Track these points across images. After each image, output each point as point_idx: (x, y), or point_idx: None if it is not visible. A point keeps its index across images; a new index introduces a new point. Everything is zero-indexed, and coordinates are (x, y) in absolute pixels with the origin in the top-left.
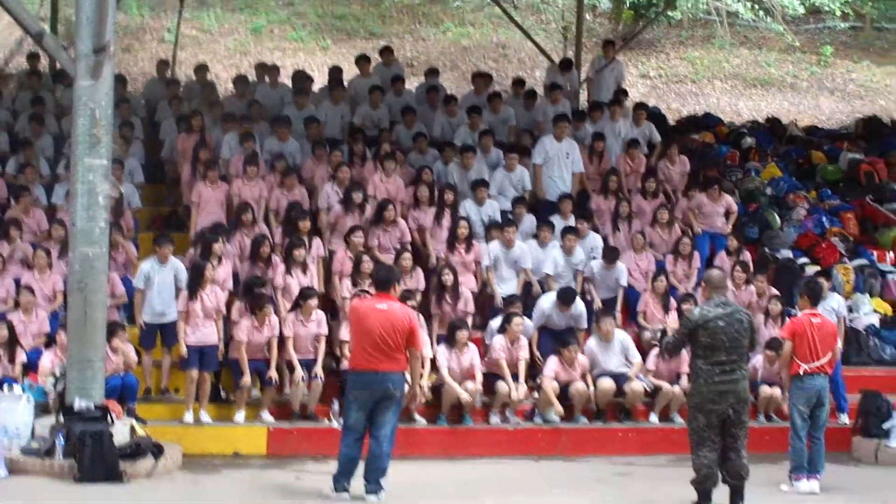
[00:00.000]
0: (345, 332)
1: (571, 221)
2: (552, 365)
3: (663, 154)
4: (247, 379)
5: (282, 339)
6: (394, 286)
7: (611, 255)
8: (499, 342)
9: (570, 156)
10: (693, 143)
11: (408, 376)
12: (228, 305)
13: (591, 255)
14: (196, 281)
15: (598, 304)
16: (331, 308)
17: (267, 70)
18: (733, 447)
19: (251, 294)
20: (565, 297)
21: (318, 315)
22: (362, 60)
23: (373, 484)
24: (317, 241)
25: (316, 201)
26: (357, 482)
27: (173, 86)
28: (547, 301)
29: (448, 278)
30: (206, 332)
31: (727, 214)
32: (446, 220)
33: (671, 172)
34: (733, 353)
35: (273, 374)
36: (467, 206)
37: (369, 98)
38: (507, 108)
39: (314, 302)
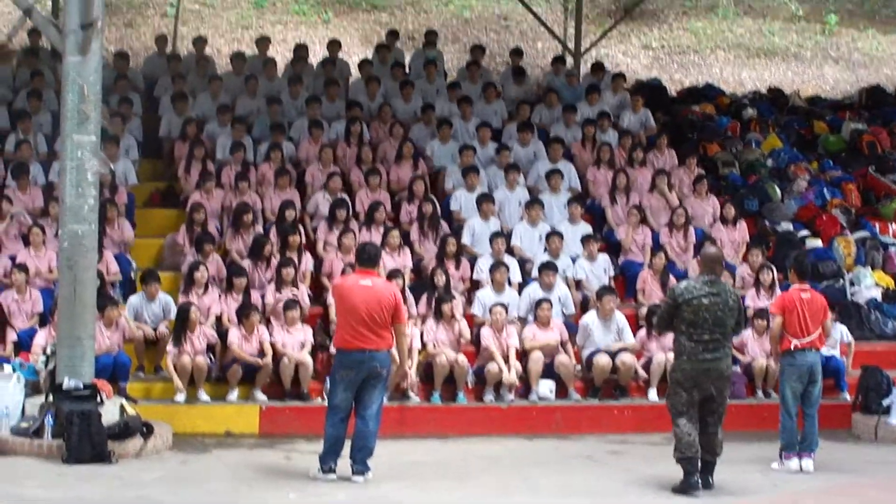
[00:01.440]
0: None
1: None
2: (530, 328)
3: (652, 144)
4: (237, 367)
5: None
6: (378, 263)
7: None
8: (486, 332)
9: (564, 176)
10: (693, 115)
11: (395, 353)
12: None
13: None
14: (181, 327)
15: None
16: (322, 318)
17: (265, 62)
18: (711, 422)
19: (239, 307)
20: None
21: (304, 327)
22: (383, 50)
23: (359, 464)
24: (306, 256)
25: (307, 200)
26: (343, 462)
27: (173, 61)
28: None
29: (441, 279)
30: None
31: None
32: (433, 232)
33: (660, 163)
34: (716, 332)
35: (265, 360)
36: (472, 224)
37: (366, 90)
38: (499, 102)
39: (296, 313)
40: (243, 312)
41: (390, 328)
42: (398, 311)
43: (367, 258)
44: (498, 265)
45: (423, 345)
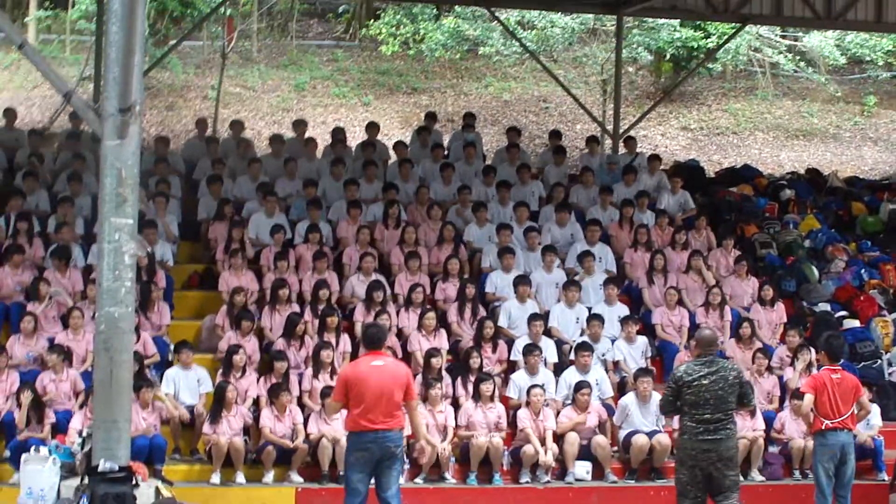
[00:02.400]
0: None
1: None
2: (566, 412)
3: (690, 225)
4: (270, 449)
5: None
6: (384, 343)
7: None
8: (523, 414)
9: (602, 259)
10: (731, 196)
11: (408, 429)
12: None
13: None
14: (218, 406)
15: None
16: None
17: (305, 142)
18: (719, 500)
19: (271, 387)
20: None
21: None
22: (423, 132)
23: None
24: (344, 338)
25: (344, 282)
26: None
27: (213, 144)
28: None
29: (475, 361)
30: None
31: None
32: (468, 313)
33: (697, 244)
34: (718, 412)
35: (296, 442)
36: (509, 306)
37: (399, 171)
38: (536, 183)
39: None
40: (274, 392)
41: (401, 408)
42: (409, 389)
43: (371, 341)
44: (531, 348)
45: (457, 426)
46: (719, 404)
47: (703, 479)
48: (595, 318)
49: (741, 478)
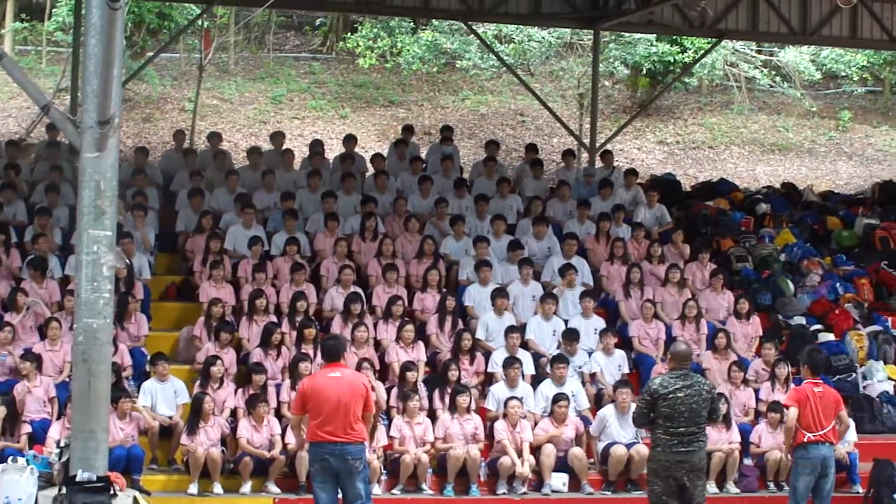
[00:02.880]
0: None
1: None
2: (543, 423)
3: (666, 239)
4: (248, 459)
5: None
6: (343, 355)
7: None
8: (500, 426)
9: (579, 272)
10: (707, 210)
11: (384, 440)
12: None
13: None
14: (195, 417)
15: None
16: None
17: (283, 153)
18: None
19: (248, 398)
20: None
21: None
22: (400, 145)
23: None
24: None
25: (322, 294)
26: None
27: (190, 156)
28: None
29: (453, 374)
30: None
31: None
32: (448, 324)
33: (674, 258)
34: (692, 425)
35: (273, 453)
36: (486, 319)
37: (375, 183)
38: (514, 197)
39: None
40: (251, 403)
41: (360, 419)
42: (368, 401)
43: (329, 353)
44: (511, 361)
45: (435, 438)
46: (693, 417)
47: (676, 489)
48: (571, 333)
49: (717, 489)
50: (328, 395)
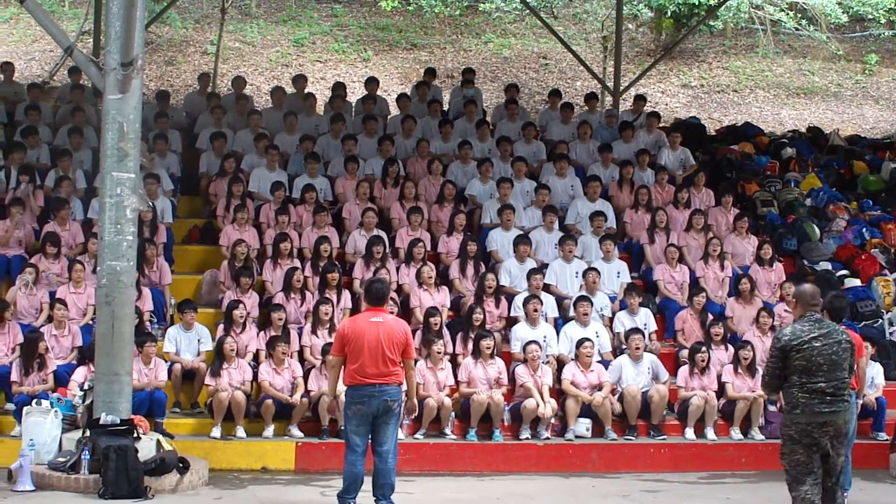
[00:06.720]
0: None
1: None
2: (570, 368)
3: (690, 182)
4: (270, 402)
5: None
6: (387, 299)
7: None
8: (521, 370)
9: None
10: (732, 154)
11: (404, 386)
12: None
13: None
14: (219, 361)
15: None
16: None
17: (305, 97)
18: (829, 485)
19: (268, 340)
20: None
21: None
22: (422, 87)
23: (383, 500)
24: (345, 294)
25: (345, 237)
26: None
27: (213, 99)
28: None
29: (478, 317)
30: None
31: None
32: (471, 268)
33: (697, 202)
34: (833, 379)
35: (295, 397)
36: (509, 265)
37: (402, 128)
38: (538, 143)
39: None
40: (271, 345)
41: (399, 364)
42: (409, 347)
43: (374, 296)
44: (531, 298)
45: (458, 383)
46: (834, 370)
47: (819, 456)
48: (591, 270)
49: (742, 436)
50: (368, 338)
